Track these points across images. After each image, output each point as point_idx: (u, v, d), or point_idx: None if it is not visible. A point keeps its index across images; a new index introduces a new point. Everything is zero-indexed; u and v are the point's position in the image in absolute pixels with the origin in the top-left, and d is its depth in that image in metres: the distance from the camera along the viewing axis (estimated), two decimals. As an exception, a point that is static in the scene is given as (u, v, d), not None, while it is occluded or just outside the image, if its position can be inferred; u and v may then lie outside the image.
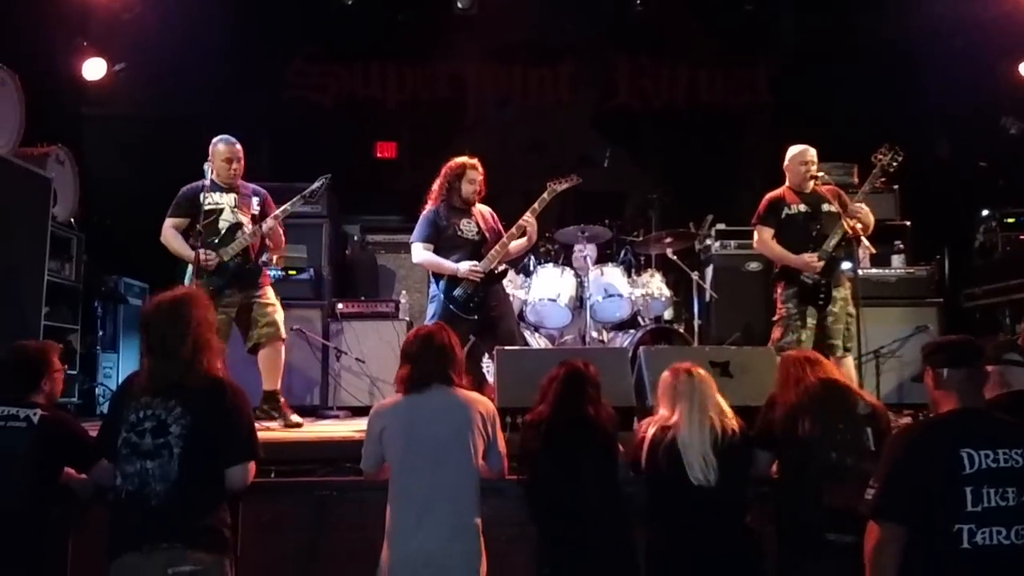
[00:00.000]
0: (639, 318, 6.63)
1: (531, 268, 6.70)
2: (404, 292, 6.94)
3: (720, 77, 8.66)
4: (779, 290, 5.24)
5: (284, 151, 7.76)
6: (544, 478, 3.28)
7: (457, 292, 5.04)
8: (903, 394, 6.01)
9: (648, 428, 3.29)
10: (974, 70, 6.86)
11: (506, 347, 4.67)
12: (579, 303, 6.49)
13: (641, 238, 6.95)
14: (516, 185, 6.81)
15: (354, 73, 8.53)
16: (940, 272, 6.89)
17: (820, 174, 5.18)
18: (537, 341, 6.34)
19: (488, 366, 5.22)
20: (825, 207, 5.14)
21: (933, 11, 6.90)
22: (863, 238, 4.94)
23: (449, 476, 3.09)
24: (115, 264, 6.81)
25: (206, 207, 4.84)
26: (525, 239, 5.14)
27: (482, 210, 5.31)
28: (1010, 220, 6.85)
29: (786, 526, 3.27)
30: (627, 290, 6.46)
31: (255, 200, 5.16)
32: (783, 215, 5.22)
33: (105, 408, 5.39)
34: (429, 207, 5.21)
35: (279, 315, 5.11)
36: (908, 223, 6.88)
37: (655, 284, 6.60)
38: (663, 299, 6.60)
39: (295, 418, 5.13)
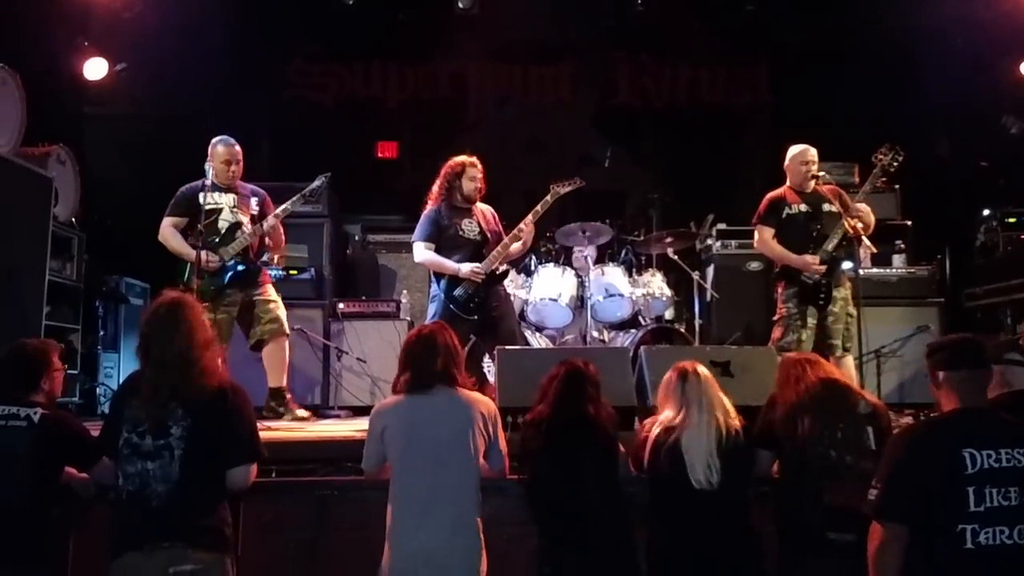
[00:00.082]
0: (640, 318, 6.64)
1: (532, 268, 6.70)
2: (405, 292, 6.94)
3: (721, 76, 8.65)
4: (779, 290, 5.24)
5: (285, 151, 7.76)
6: (544, 477, 3.27)
7: (458, 292, 5.04)
8: (904, 394, 6.00)
9: (651, 428, 3.28)
10: (975, 69, 6.86)
11: (507, 347, 4.68)
12: (580, 303, 6.49)
13: (642, 238, 6.95)
14: (516, 184, 6.82)
15: (355, 72, 8.52)
16: (941, 272, 6.89)
17: (821, 174, 5.18)
18: (538, 341, 6.35)
19: (489, 366, 5.22)
20: (826, 207, 5.14)
21: (934, 11, 6.89)
22: (864, 238, 4.93)
23: (450, 475, 3.09)
24: (116, 264, 6.81)
25: (206, 207, 4.85)
26: (520, 244, 5.14)
27: (484, 210, 5.32)
28: (1011, 220, 6.84)
29: (787, 525, 3.27)
30: (628, 290, 6.46)
31: (254, 200, 5.17)
32: (784, 215, 5.22)
33: (106, 408, 5.41)
34: (430, 207, 5.22)
35: (282, 311, 5.14)
36: (909, 223, 6.88)
37: (656, 284, 6.60)
38: (664, 299, 6.60)
39: (301, 412, 5.16)
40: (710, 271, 7.13)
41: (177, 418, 2.81)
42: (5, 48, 5.30)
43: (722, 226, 7.13)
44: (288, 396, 5.18)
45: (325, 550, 3.72)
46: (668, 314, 6.81)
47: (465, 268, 5.03)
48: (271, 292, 5.15)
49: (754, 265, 6.90)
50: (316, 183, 5.11)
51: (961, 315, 6.74)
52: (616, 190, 8.12)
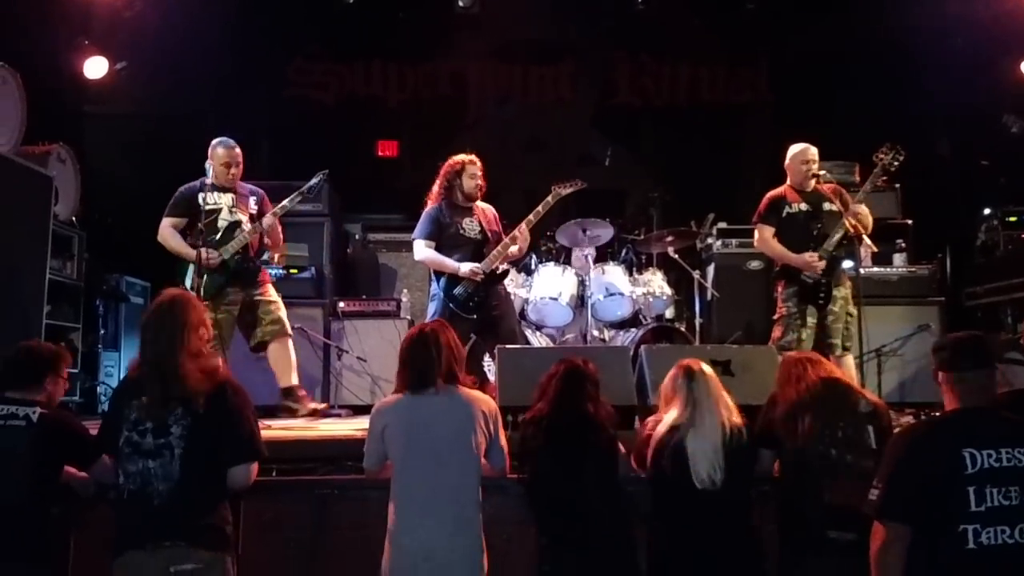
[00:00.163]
0: (640, 317, 6.63)
1: (532, 267, 6.70)
2: (405, 291, 6.94)
3: (721, 75, 8.65)
4: (779, 289, 5.24)
5: (285, 150, 7.76)
6: (544, 476, 3.27)
7: (457, 291, 5.05)
8: (905, 393, 6.00)
9: (654, 427, 3.27)
10: (975, 68, 6.86)
11: (507, 346, 4.67)
12: (580, 302, 6.48)
13: (642, 237, 6.94)
14: (517, 184, 6.83)
15: (355, 71, 8.52)
16: (942, 271, 6.88)
17: (821, 173, 5.17)
18: (538, 340, 6.35)
19: (489, 365, 5.22)
20: (826, 206, 5.14)
21: (934, 10, 6.89)
22: (864, 237, 4.93)
23: (451, 474, 3.09)
24: (116, 262, 6.82)
25: (205, 207, 4.85)
26: (516, 248, 5.14)
27: (485, 209, 5.32)
28: (1012, 219, 6.83)
29: (787, 524, 3.27)
30: (628, 289, 6.46)
31: (252, 199, 5.18)
32: (784, 214, 5.22)
33: (106, 407, 5.41)
34: (431, 205, 5.22)
35: (283, 312, 5.15)
36: (909, 222, 6.87)
37: (656, 283, 6.60)
38: (664, 298, 6.60)
39: (315, 405, 5.22)
40: (711, 270, 7.13)
41: (177, 417, 2.82)
42: (6, 47, 5.30)
43: (722, 225, 7.13)
44: (302, 393, 5.21)
45: (325, 549, 3.72)
46: (669, 313, 6.81)
47: (465, 267, 5.03)
48: (272, 293, 5.16)
49: (755, 264, 6.90)
50: (313, 181, 5.11)
51: (962, 314, 6.73)
52: (616, 189, 8.11)
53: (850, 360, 5.07)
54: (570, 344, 6.53)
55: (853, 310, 5.08)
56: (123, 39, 6.78)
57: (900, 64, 7.31)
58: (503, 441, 3.33)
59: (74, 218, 6.08)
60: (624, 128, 8.45)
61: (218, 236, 4.96)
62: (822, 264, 5.02)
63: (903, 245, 6.71)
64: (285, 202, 5.05)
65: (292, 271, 6.46)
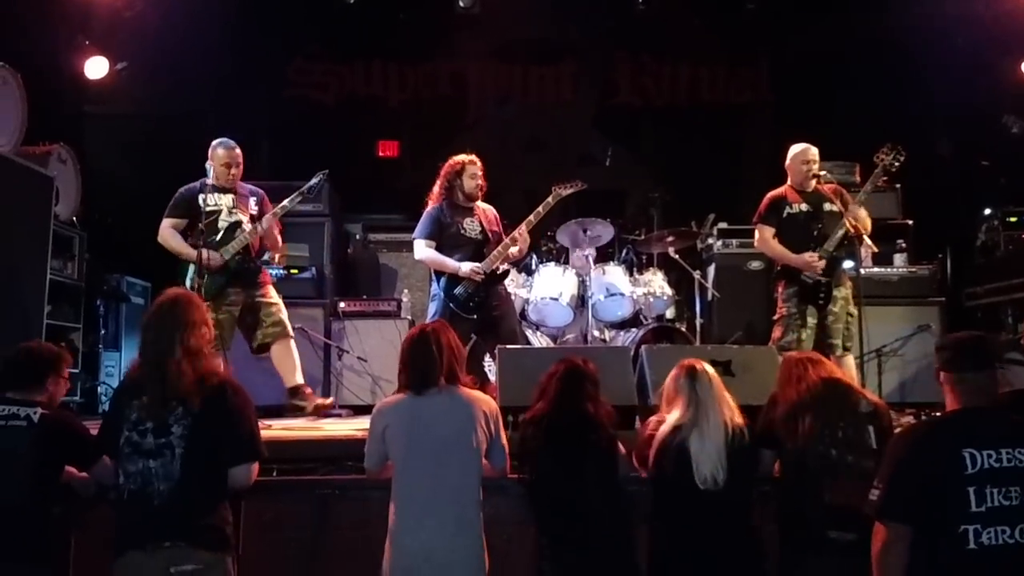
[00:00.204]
0: (641, 317, 6.64)
1: (533, 267, 6.70)
2: (406, 291, 6.94)
3: (722, 75, 8.65)
4: (780, 289, 5.24)
5: (285, 150, 7.75)
6: (545, 475, 3.26)
7: (458, 291, 5.05)
8: (905, 393, 6.00)
9: (657, 427, 3.27)
10: (975, 69, 6.86)
11: (508, 346, 4.68)
12: (581, 302, 6.49)
13: (643, 237, 6.95)
14: (517, 184, 6.84)
15: (355, 71, 8.53)
16: (942, 271, 6.89)
17: (822, 173, 5.17)
18: (539, 340, 6.35)
19: (490, 365, 5.22)
20: (827, 206, 5.14)
21: (935, 10, 6.90)
22: (865, 237, 4.93)
23: (452, 474, 3.09)
24: (117, 263, 6.82)
25: (205, 208, 4.86)
26: (516, 249, 5.14)
27: (485, 209, 5.33)
28: (1012, 219, 6.83)
29: (787, 524, 3.26)
30: (629, 289, 6.47)
31: (252, 200, 5.19)
32: (784, 214, 5.22)
33: (107, 407, 5.41)
34: (432, 205, 5.22)
35: (284, 314, 5.16)
36: (910, 222, 6.87)
37: (657, 283, 6.60)
38: (665, 298, 6.60)
39: (321, 400, 5.25)
40: (711, 270, 7.13)
41: (178, 416, 2.82)
42: (6, 47, 5.30)
43: (723, 225, 7.13)
44: (308, 391, 5.23)
45: (326, 549, 3.72)
46: (669, 313, 6.81)
47: (465, 267, 5.04)
48: (273, 294, 5.17)
49: (755, 264, 6.89)
50: (313, 181, 5.11)
51: (962, 314, 6.73)
52: (617, 189, 8.11)
53: (850, 360, 5.07)
54: (571, 344, 6.53)
55: (853, 310, 5.08)
56: (123, 39, 6.78)
57: (900, 64, 7.31)
58: (504, 441, 3.33)
59: (75, 218, 6.08)
60: (624, 128, 8.45)
61: (218, 237, 4.97)
62: (822, 264, 5.02)
63: (903, 245, 6.71)
64: (285, 202, 5.05)
65: (293, 271, 6.46)
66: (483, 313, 5.10)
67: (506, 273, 5.31)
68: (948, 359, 2.77)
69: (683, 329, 6.65)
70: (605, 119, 8.59)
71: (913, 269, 6.56)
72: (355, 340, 6.39)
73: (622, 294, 6.41)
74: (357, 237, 7.55)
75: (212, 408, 2.86)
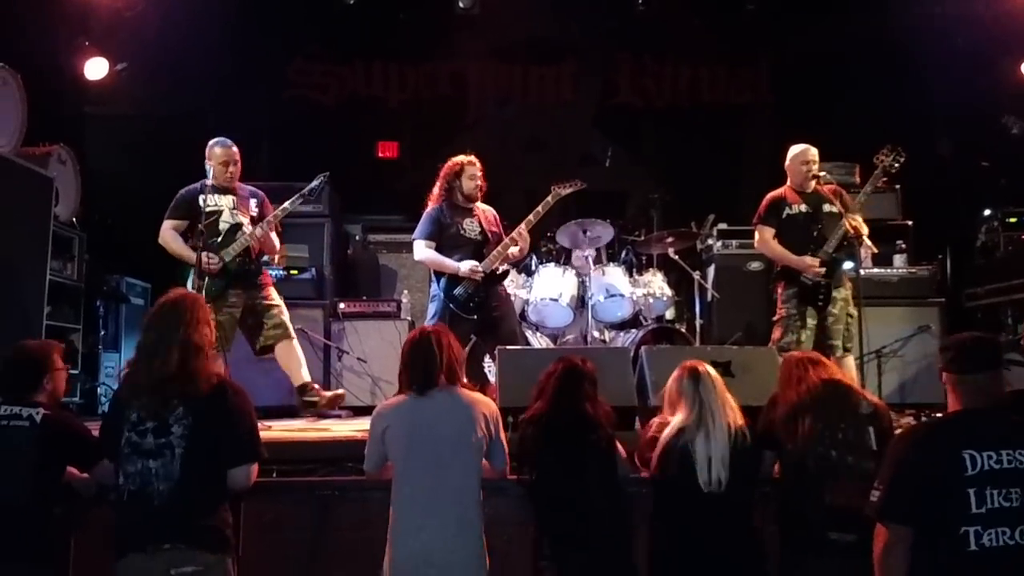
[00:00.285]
0: (641, 318, 6.64)
1: (533, 268, 6.71)
2: (406, 292, 6.94)
3: (722, 76, 8.65)
4: (779, 290, 5.25)
5: (285, 150, 7.76)
6: (546, 474, 3.27)
7: (458, 291, 5.05)
8: (905, 394, 6.00)
9: (660, 429, 3.27)
10: (975, 69, 6.86)
11: (508, 347, 4.68)
12: (581, 303, 6.49)
13: (643, 237, 6.95)
14: (517, 184, 6.83)
15: (355, 72, 8.52)
16: (942, 272, 6.89)
17: (822, 174, 5.18)
18: (539, 341, 6.35)
19: (490, 366, 5.22)
20: (826, 207, 5.14)
21: (935, 10, 6.90)
22: (864, 238, 4.93)
23: (452, 476, 3.09)
24: (117, 263, 6.82)
25: (206, 209, 4.85)
26: (517, 249, 5.14)
27: (485, 210, 5.33)
28: (1012, 220, 6.83)
29: (788, 526, 3.26)
30: (628, 290, 6.47)
31: (253, 202, 5.19)
32: (784, 215, 5.23)
33: (107, 408, 5.41)
34: (432, 206, 5.22)
35: (285, 315, 5.17)
36: (910, 223, 6.86)
37: (657, 284, 6.60)
38: (665, 299, 6.61)
39: (329, 393, 5.26)
40: (711, 271, 7.13)
41: (178, 416, 2.81)
42: (6, 48, 5.30)
43: (723, 226, 7.12)
44: (316, 387, 5.25)
45: (326, 551, 3.72)
46: (669, 314, 6.81)
47: (465, 267, 5.03)
48: (274, 296, 5.17)
49: (755, 265, 6.89)
50: (315, 182, 5.12)
51: (962, 315, 6.73)
52: (617, 190, 8.11)
53: (851, 361, 5.07)
54: (570, 345, 6.53)
55: (853, 311, 5.08)
56: (123, 40, 6.77)
57: (900, 65, 7.32)
58: (504, 442, 3.33)
59: (74, 219, 6.08)
60: (625, 129, 8.44)
61: (219, 239, 4.96)
62: (822, 269, 5.02)
63: (903, 246, 6.71)
64: (286, 204, 5.06)
65: (292, 272, 6.46)
66: (483, 314, 5.10)
67: (506, 273, 5.31)
68: (950, 360, 2.76)
69: (683, 330, 6.65)
70: (605, 119, 8.59)
71: (913, 270, 6.56)
72: (355, 341, 6.38)
73: (622, 295, 6.41)
74: (357, 238, 7.55)
75: (212, 408, 2.86)
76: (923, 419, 4.46)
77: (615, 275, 6.49)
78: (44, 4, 6.21)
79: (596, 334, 6.50)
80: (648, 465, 3.29)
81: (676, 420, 3.24)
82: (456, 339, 3.38)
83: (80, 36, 6.61)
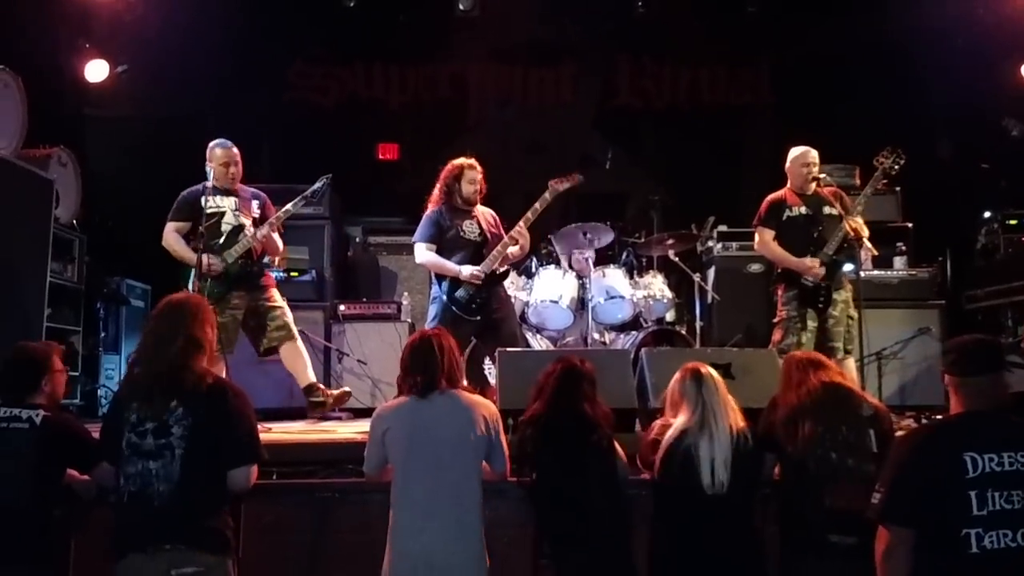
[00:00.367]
0: (641, 320, 6.63)
1: (533, 270, 6.71)
2: (406, 294, 6.94)
3: (722, 78, 8.65)
4: (779, 292, 5.25)
5: (286, 153, 7.75)
6: (546, 475, 3.26)
7: (459, 294, 5.04)
8: (905, 396, 6.00)
9: (662, 432, 3.27)
10: (976, 71, 6.86)
11: (508, 349, 4.67)
12: (581, 305, 6.49)
13: (643, 239, 6.94)
14: (517, 186, 6.81)
15: (356, 74, 8.52)
16: (942, 274, 6.88)
17: (822, 176, 5.18)
18: (539, 343, 6.35)
19: (490, 368, 5.22)
20: (826, 209, 5.15)
21: (935, 12, 6.90)
22: (865, 240, 4.93)
23: (452, 478, 3.09)
24: (117, 265, 6.82)
25: (208, 210, 4.85)
26: (518, 248, 5.14)
27: (484, 212, 5.32)
28: (1012, 222, 6.83)
29: (788, 527, 3.26)
30: (629, 292, 6.46)
31: (255, 203, 5.19)
32: (784, 217, 5.23)
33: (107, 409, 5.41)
34: (432, 208, 5.22)
35: (288, 316, 5.17)
36: (910, 225, 6.86)
37: (657, 286, 6.60)
38: (665, 301, 6.60)
39: (336, 391, 5.29)
40: (711, 273, 7.13)
41: (178, 417, 2.81)
42: (6, 50, 5.30)
43: (723, 228, 7.12)
44: (321, 387, 5.27)
45: (326, 553, 3.72)
46: (669, 316, 6.81)
47: (465, 271, 5.03)
48: (277, 297, 5.17)
49: (755, 267, 6.89)
50: (317, 185, 5.12)
51: (962, 317, 6.73)
52: (617, 192, 8.11)
53: (851, 363, 5.07)
54: (571, 347, 6.52)
55: (854, 313, 5.08)
56: (124, 42, 6.78)
57: (901, 67, 7.32)
58: (504, 444, 3.33)
59: (75, 221, 6.08)
60: (625, 130, 8.43)
61: (222, 240, 4.96)
62: (822, 271, 5.02)
63: (903, 248, 6.71)
64: (288, 206, 5.06)
65: (293, 274, 6.46)
66: (485, 315, 5.09)
67: (506, 274, 5.31)
68: (952, 362, 2.76)
69: (683, 332, 6.64)
70: (605, 121, 8.59)
71: (913, 272, 6.56)
72: (355, 343, 6.39)
73: (622, 297, 6.40)
74: (357, 240, 7.55)
75: (212, 410, 2.86)
76: (923, 421, 4.46)
77: (615, 277, 6.49)
78: (44, 6, 6.21)
79: (596, 336, 6.49)
80: (650, 467, 3.29)
81: (678, 422, 3.24)
82: (455, 341, 3.38)
83: (80, 38, 6.62)
